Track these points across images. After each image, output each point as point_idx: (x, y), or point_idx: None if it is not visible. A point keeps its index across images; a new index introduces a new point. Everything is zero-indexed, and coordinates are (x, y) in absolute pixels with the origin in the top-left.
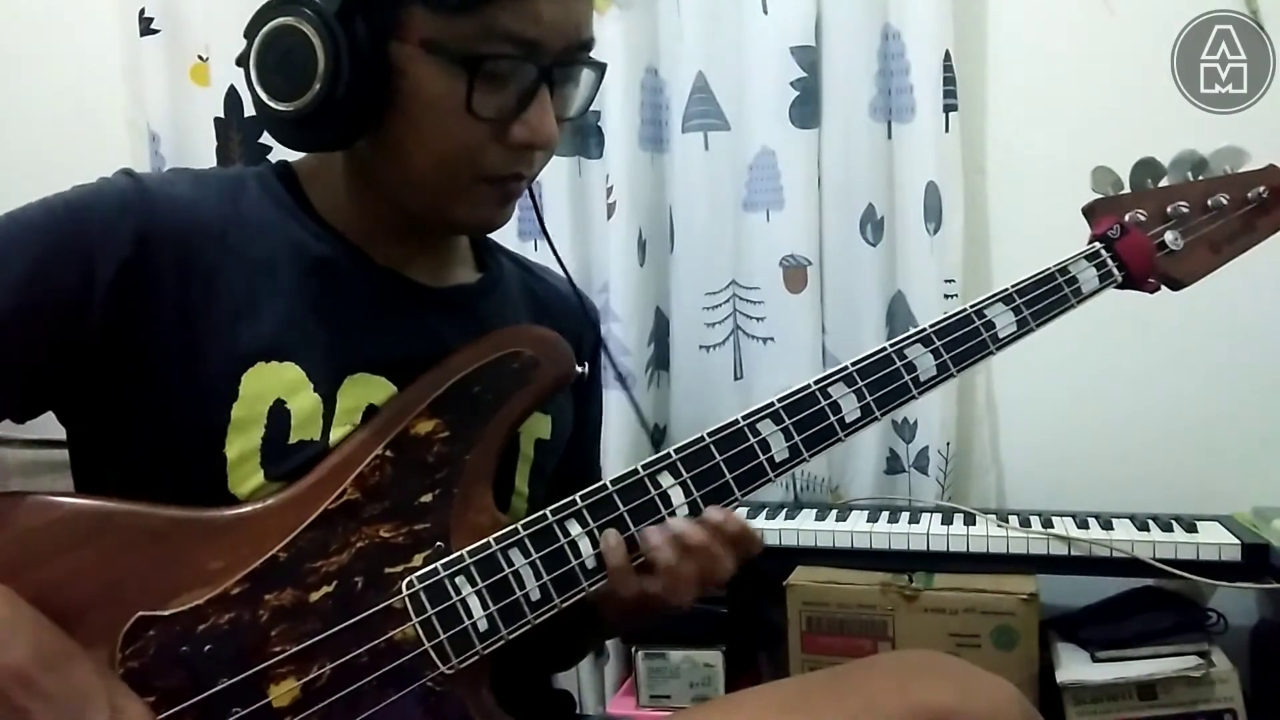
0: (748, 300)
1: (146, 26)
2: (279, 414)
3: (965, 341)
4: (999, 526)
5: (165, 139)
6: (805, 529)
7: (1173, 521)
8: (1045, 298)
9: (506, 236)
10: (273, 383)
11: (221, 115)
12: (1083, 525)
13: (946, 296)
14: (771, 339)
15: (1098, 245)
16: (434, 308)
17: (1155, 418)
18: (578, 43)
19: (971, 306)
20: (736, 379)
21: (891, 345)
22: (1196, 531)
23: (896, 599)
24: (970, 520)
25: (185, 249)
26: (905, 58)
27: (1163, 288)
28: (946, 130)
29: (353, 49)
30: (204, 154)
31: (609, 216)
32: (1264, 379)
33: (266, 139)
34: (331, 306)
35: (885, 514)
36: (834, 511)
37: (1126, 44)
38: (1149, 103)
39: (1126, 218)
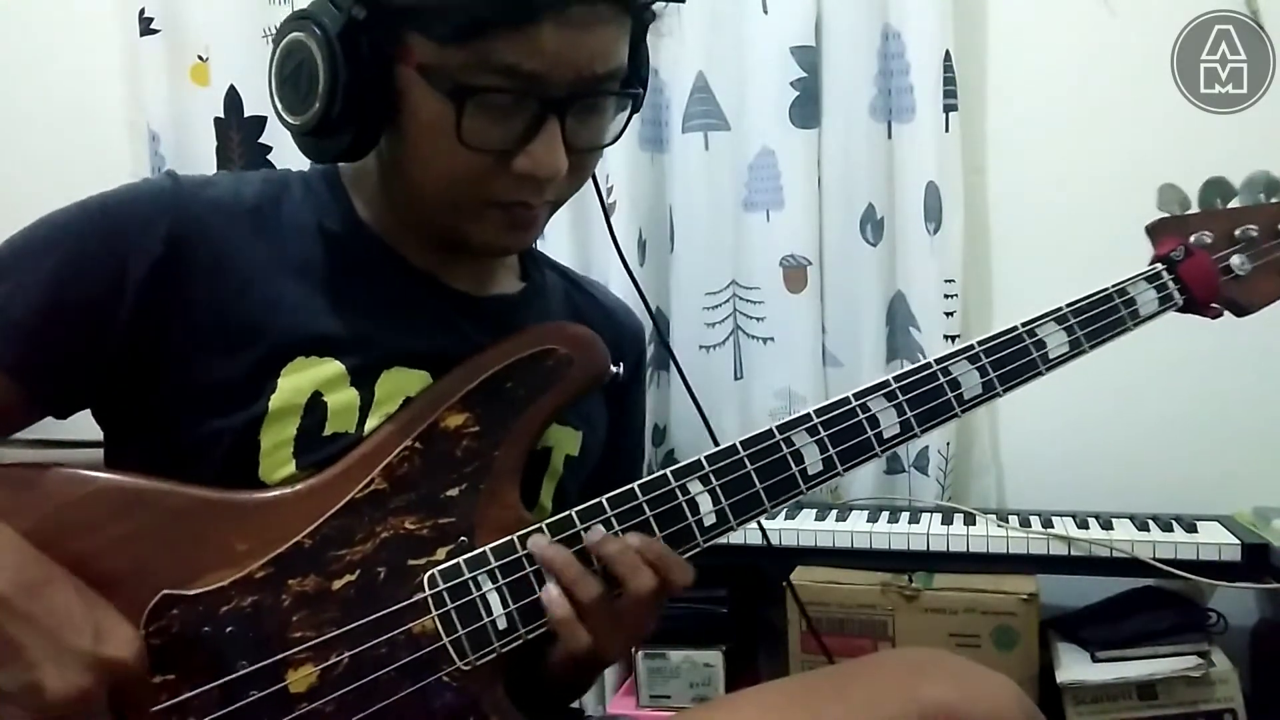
0: (748, 300)
1: (146, 26)
2: (316, 406)
3: (1014, 360)
4: (999, 526)
5: (165, 139)
6: (805, 529)
7: (1173, 521)
8: (1101, 319)
9: None
10: (311, 377)
11: (221, 115)
12: (1083, 525)
13: (946, 296)
14: (771, 339)
15: (1160, 267)
16: (472, 316)
17: (1155, 418)
18: (595, 75)
19: (1023, 325)
20: (736, 379)
21: (936, 361)
22: (1196, 531)
23: (896, 599)
24: (970, 520)
25: (219, 249)
26: (905, 58)
27: (1225, 314)
28: (946, 130)
29: (353, 69)
30: (204, 154)
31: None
32: (1264, 379)
33: (266, 139)
34: (370, 305)
35: (885, 514)
36: (834, 511)
37: (1126, 44)
38: (1149, 103)
39: (1192, 239)
